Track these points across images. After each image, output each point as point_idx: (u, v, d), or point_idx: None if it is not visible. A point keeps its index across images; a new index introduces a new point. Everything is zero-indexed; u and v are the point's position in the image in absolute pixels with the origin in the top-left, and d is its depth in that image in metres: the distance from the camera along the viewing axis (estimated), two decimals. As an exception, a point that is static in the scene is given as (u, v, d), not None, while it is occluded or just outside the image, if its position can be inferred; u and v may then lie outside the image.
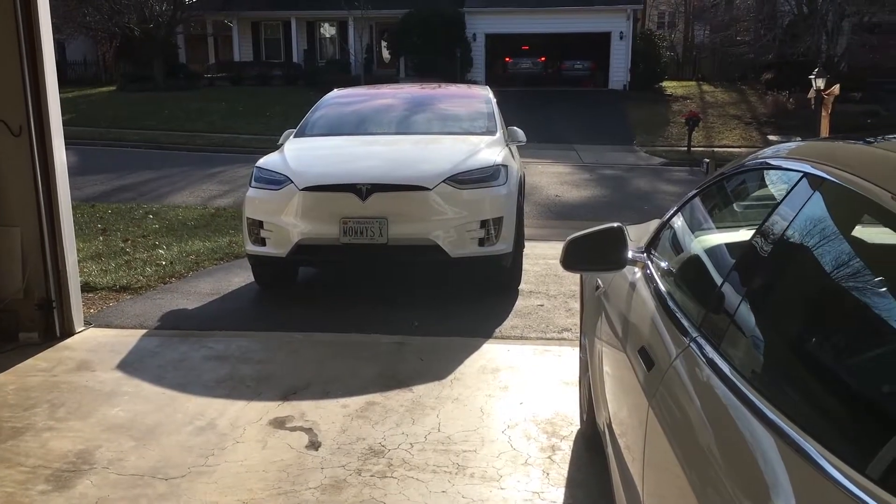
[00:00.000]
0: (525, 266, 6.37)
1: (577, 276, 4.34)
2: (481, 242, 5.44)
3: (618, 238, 2.38)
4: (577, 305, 5.04)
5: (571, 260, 2.39)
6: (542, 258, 7.05)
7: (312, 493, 3.02)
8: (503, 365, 4.39)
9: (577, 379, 3.87)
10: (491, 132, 6.41)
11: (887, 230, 1.30)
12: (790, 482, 1.12)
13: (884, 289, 1.26)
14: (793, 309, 1.46)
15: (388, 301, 5.77)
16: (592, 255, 2.40)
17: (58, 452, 3.35)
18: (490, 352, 4.62)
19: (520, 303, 5.68)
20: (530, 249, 7.05)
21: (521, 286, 6.07)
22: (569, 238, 2.43)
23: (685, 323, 1.80)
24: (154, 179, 14.58)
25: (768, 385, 1.35)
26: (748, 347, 1.51)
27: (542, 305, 5.62)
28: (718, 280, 1.77)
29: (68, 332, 4.79)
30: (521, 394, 3.98)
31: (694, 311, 1.81)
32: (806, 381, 1.32)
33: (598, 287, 2.99)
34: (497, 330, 5.05)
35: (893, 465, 0.97)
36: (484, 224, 5.42)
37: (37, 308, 4.68)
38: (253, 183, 5.75)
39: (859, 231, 1.44)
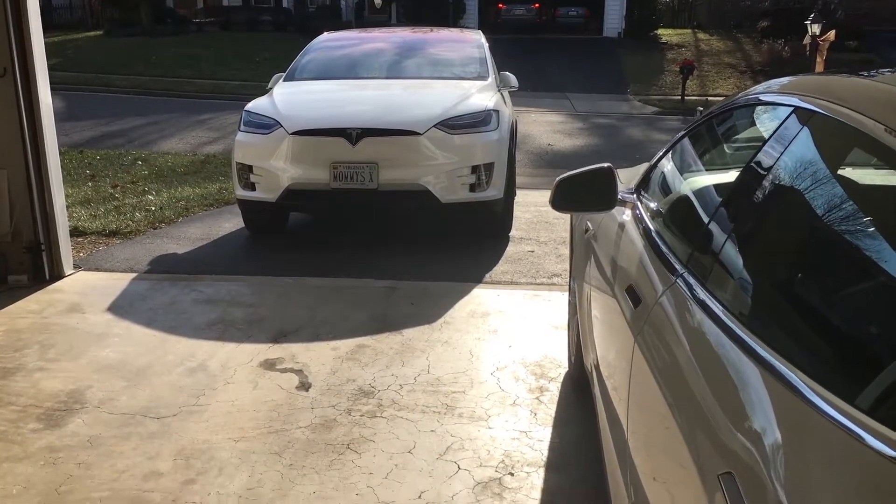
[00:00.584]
0: (516, 213, 6.36)
1: (568, 223, 4.34)
2: (472, 188, 5.42)
3: (608, 178, 2.37)
4: (567, 252, 5.05)
5: (561, 200, 2.39)
6: (533, 205, 7.04)
7: (303, 431, 3.06)
8: (493, 309, 4.42)
9: (566, 322, 3.89)
10: (483, 77, 6.33)
11: (879, 164, 1.29)
12: (775, 413, 1.13)
13: (871, 226, 1.26)
14: (778, 245, 1.46)
15: (379, 247, 5.76)
16: (582, 195, 2.39)
17: (49, 392, 3.37)
18: (480, 296, 4.64)
19: (510, 249, 5.69)
20: (522, 197, 7.03)
21: (512, 233, 6.07)
22: (559, 178, 2.41)
23: (672, 260, 1.80)
24: (142, 126, 14.39)
25: (754, 319, 1.36)
26: (733, 283, 1.51)
27: (532, 252, 5.63)
28: (705, 218, 1.77)
29: (58, 275, 4.78)
30: (510, 337, 4.01)
31: (681, 248, 1.82)
32: (791, 315, 1.33)
33: (587, 230, 2.99)
34: (487, 275, 5.07)
35: (881, 397, 0.98)
36: (475, 170, 5.40)
37: (25, 251, 4.66)
38: (242, 127, 5.68)
39: (849, 165, 1.44)
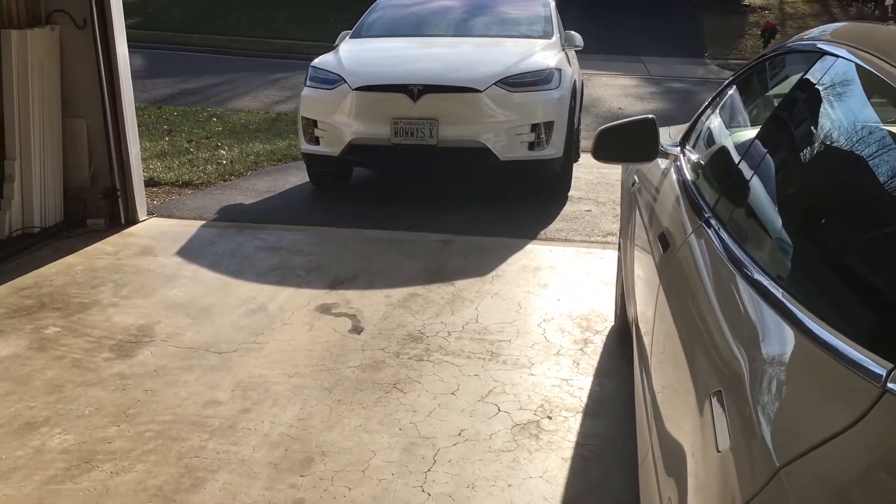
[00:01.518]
0: (578, 174, 6.36)
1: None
2: (531, 146, 5.45)
3: (650, 129, 2.39)
4: (623, 211, 5.05)
5: (603, 150, 2.43)
6: (595, 167, 7.00)
7: (353, 370, 3.21)
8: (544, 264, 4.48)
9: (616, 280, 3.93)
10: (547, 35, 6.31)
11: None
12: (776, 340, 1.18)
13: (880, 175, 1.27)
14: (791, 188, 1.49)
15: (436, 203, 5.86)
16: (624, 145, 2.43)
17: (121, 326, 3.61)
18: (533, 252, 4.70)
19: (567, 208, 5.71)
20: (586, 159, 7.01)
21: (571, 192, 6.08)
22: (601, 128, 2.45)
23: (702, 205, 1.84)
24: (218, 84, 14.77)
25: (769, 259, 1.40)
26: (752, 225, 1.55)
27: (589, 211, 5.64)
28: (733, 165, 1.80)
29: (132, 220, 5.05)
30: (559, 291, 4.08)
31: (710, 194, 1.85)
32: (803, 256, 1.37)
33: (634, 184, 3.02)
34: (542, 232, 5.12)
35: (873, 329, 1.02)
36: (534, 128, 5.42)
37: (102, 196, 4.93)
38: (308, 82, 5.83)
39: (872, 116, 1.45)
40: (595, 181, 6.55)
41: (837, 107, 1.54)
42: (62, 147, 4.85)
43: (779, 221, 1.45)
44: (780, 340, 1.13)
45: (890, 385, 0.86)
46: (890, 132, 1.37)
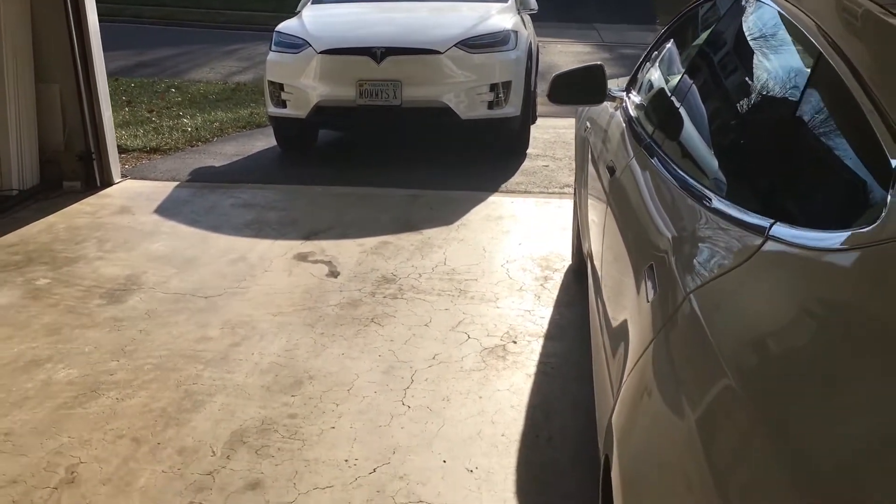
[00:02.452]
0: (535, 134, 6.66)
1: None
2: (490, 105, 5.71)
3: (599, 75, 2.68)
4: (579, 165, 5.36)
5: (558, 93, 2.71)
6: (552, 128, 7.31)
7: (332, 308, 3.47)
8: (506, 214, 4.78)
9: (572, 223, 4.24)
10: (503, 0, 6.55)
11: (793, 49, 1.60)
12: (691, 219, 1.49)
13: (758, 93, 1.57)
14: (707, 113, 1.79)
15: (402, 162, 6.11)
16: (576, 89, 2.71)
17: (108, 276, 3.81)
18: (495, 203, 5.00)
19: (526, 164, 6.01)
20: (542, 122, 7.31)
21: (530, 150, 6.38)
22: (555, 74, 2.73)
23: (642, 134, 2.14)
24: (174, 56, 14.70)
25: (689, 164, 1.70)
26: (677, 143, 1.85)
27: (546, 166, 5.95)
28: (666, 100, 2.10)
29: (107, 182, 5.21)
30: (520, 237, 4.38)
31: (648, 126, 2.15)
32: (711, 158, 1.67)
33: (586, 129, 3.31)
34: (503, 185, 5.42)
35: (762, 199, 1.31)
36: (493, 87, 5.68)
37: (78, 159, 5.08)
38: (273, 47, 6.00)
39: (773, 46, 1.75)
40: (552, 140, 6.85)
41: (749, 50, 1.84)
42: (37, 112, 4.97)
43: (697, 136, 1.76)
44: (693, 219, 1.44)
45: (771, 233, 1.16)
46: (782, 74, 1.67)
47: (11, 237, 4.30)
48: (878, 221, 0.97)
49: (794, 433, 0.82)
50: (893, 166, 0.98)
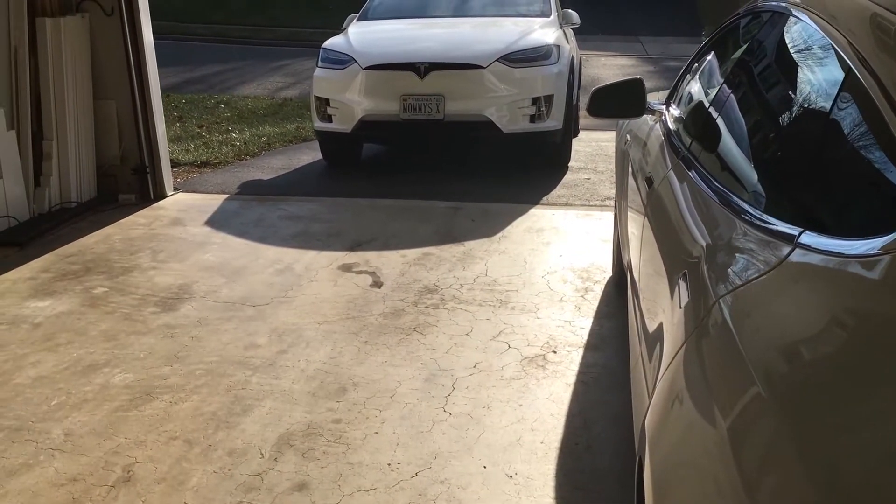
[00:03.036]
0: (577, 148, 6.70)
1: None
2: (532, 119, 5.77)
3: (638, 88, 2.72)
4: (620, 177, 5.39)
5: (597, 106, 2.76)
6: (594, 141, 7.34)
7: (376, 318, 3.56)
8: (547, 226, 4.82)
9: (612, 235, 4.27)
10: (545, 14, 6.62)
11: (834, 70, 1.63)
12: (726, 229, 1.53)
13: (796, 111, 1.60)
14: (745, 128, 1.83)
15: (445, 175, 6.19)
16: (616, 103, 2.76)
17: (162, 285, 3.96)
18: (536, 215, 5.04)
19: (568, 177, 6.05)
20: (585, 135, 7.35)
21: (571, 163, 6.41)
22: (595, 87, 2.79)
23: (679, 146, 2.18)
24: (223, 72, 15.07)
25: (726, 176, 1.74)
26: (714, 156, 1.89)
27: (588, 179, 5.98)
28: (704, 113, 2.14)
29: (161, 195, 5.39)
30: (561, 248, 4.42)
31: (686, 138, 2.19)
32: (747, 171, 1.71)
33: (626, 142, 3.35)
34: (544, 198, 5.46)
35: (792, 209, 1.35)
36: (535, 101, 5.74)
37: (132, 173, 5.27)
38: (319, 63, 6.16)
39: (806, 61, 1.78)
40: (594, 153, 6.87)
41: (784, 64, 1.88)
42: (94, 127, 5.18)
43: (731, 148, 1.80)
44: (726, 228, 1.48)
45: (799, 241, 1.20)
46: (813, 88, 1.70)
47: (71, 247, 4.49)
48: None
49: (822, 440, 0.84)
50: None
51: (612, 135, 6.33)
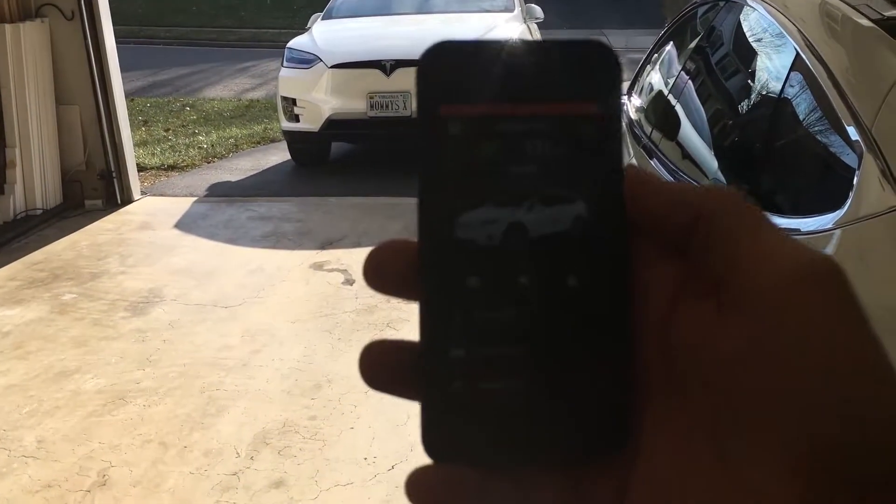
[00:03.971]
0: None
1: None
2: (499, 114, 5.80)
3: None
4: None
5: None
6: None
7: (348, 315, 3.57)
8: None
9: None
10: (509, 9, 6.66)
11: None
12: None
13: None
14: (701, 116, 1.88)
15: (413, 172, 6.19)
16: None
17: (132, 290, 3.93)
18: (505, 209, 5.08)
19: (536, 170, 6.10)
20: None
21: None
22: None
23: (640, 135, 2.22)
24: (188, 75, 14.95)
25: (686, 164, 1.79)
26: (673, 141, 1.94)
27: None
28: (661, 99, 2.19)
29: (128, 199, 5.34)
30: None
31: (647, 127, 2.23)
32: (713, 157, 1.76)
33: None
34: (513, 192, 5.50)
35: (754, 192, 1.40)
36: (502, 96, 5.77)
37: (99, 178, 5.22)
38: (285, 63, 6.14)
39: (759, 48, 1.83)
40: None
41: (738, 52, 1.93)
42: (58, 133, 5.12)
43: (691, 135, 1.85)
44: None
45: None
46: (766, 75, 1.75)
47: (37, 255, 4.44)
48: (849, 202, 1.05)
49: None
50: (857, 153, 1.06)
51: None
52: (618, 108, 0.30)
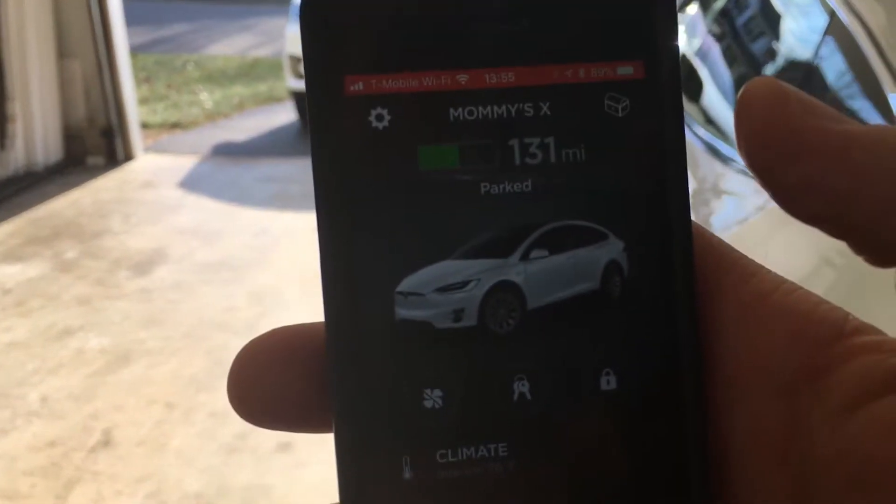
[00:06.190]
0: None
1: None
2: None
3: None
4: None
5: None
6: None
7: (356, 278, 3.51)
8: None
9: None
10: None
11: None
12: (716, 176, 1.51)
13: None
14: (732, 82, 1.80)
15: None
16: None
17: (135, 249, 3.87)
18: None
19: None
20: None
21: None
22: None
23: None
24: (191, 31, 14.72)
25: (712, 127, 1.72)
26: (696, 106, 1.87)
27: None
28: (686, 62, 2.10)
29: (130, 156, 5.25)
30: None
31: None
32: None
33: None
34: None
35: None
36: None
37: (100, 135, 5.13)
38: (292, 19, 6.00)
39: (797, 12, 1.75)
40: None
41: (768, 10, 1.84)
42: (60, 88, 5.02)
43: (717, 97, 1.78)
44: (715, 175, 1.46)
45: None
46: (797, 34, 1.67)
47: (39, 211, 4.37)
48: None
49: None
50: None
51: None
52: (675, 72, 0.19)
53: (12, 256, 3.78)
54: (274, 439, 2.38)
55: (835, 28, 1.38)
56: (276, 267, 3.65)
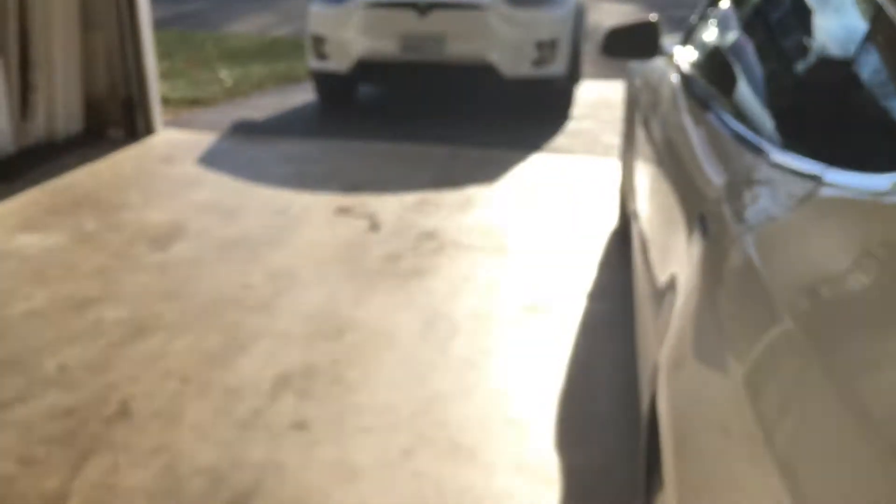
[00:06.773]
0: (579, 95, 6.59)
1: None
2: (536, 64, 5.65)
3: (652, 30, 2.64)
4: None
5: (611, 46, 2.68)
6: (597, 91, 7.21)
7: (373, 261, 3.50)
8: (549, 174, 4.75)
9: (618, 184, 4.21)
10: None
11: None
12: (748, 170, 1.48)
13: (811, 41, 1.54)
14: (759, 68, 1.76)
15: (443, 119, 6.08)
16: (629, 43, 2.68)
17: (154, 223, 3.88)
18: (537, 162, 4.97)
19: (570, 125, 5.95)
20: (587, 85, 7.22)
21: (574, 112, 6.31)
22: (609, 28, 2.70)
23: (695, 88, 2.11)
24: (210, 9, 14.68)
25: (741, 114, 1.69)
26: (731, 95, 1.83)
27: (591, 128, 5.89)
28: (720, 53, 2.07)
29: (150, 130, 5.26)
30: (562, 197, 4.36)
31: (703, 80, 2.12)
32: (763, 110, 1.66)
33: (636, 86, 3.27)
34: (546, 145, 5.38)
35: (817, 148, 1.30)
36: (539, 45, 5.61)
37: (121, 107, 5.13)
38: (314, -1, 5.97)
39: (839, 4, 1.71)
40: (597, 102, 6.75)
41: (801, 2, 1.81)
42: (82, 60, 5.02)
43: (751, 88, 1.74)
44: (748, 168, 1.43)
45: (824, 178, 1.16)
46: (833, 23, 1.63)
47: (59, 182, 4.38)
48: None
49: (850, 379, 0.80)
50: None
51: (615, 84, 6.23)
52: None
53: (32, 226, 3.79)
54: (288, 417, 2.38)
55: (871, 25, 1.35)
56: (292, 247, 3.64)
